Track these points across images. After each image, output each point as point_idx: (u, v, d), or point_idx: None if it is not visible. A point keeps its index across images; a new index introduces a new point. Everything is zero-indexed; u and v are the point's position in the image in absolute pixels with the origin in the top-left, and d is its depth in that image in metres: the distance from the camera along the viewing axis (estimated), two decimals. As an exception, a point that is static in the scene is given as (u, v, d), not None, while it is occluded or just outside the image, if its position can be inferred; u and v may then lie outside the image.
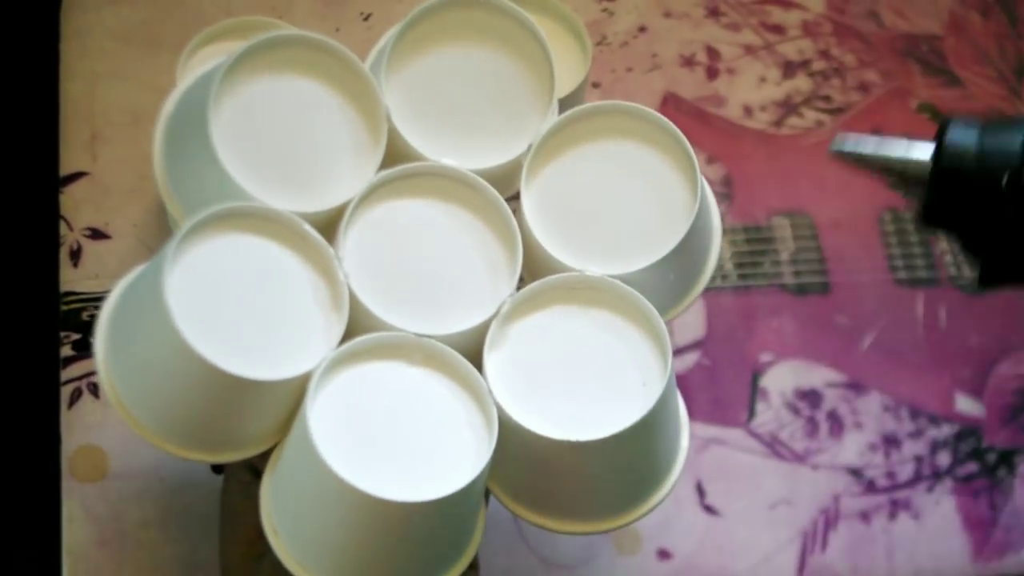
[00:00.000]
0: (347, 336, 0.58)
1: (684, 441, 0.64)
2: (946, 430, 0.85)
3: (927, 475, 0.84)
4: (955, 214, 0.56)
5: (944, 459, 0.84)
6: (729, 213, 0.86)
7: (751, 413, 0.83)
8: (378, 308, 0.59)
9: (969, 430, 0.85)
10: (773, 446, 0.82)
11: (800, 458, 0.83)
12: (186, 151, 0.60)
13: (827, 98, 0.90)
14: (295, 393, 0.57)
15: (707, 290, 0.81)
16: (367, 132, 0.61)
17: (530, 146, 0.62)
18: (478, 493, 0.60)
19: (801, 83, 0.91)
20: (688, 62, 0.90)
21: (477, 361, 0.59)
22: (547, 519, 0.62)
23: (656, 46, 0.90)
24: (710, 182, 0.87)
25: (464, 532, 0.61)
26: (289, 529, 0.58)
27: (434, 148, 0.62)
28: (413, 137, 0.62)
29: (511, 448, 0.59)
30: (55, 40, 0.82)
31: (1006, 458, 0.85)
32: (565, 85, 0.70)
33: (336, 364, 0.58)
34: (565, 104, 0.66)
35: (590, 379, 0.60)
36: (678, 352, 0.83)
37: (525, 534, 0.78)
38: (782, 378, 0.84)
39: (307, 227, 0.59)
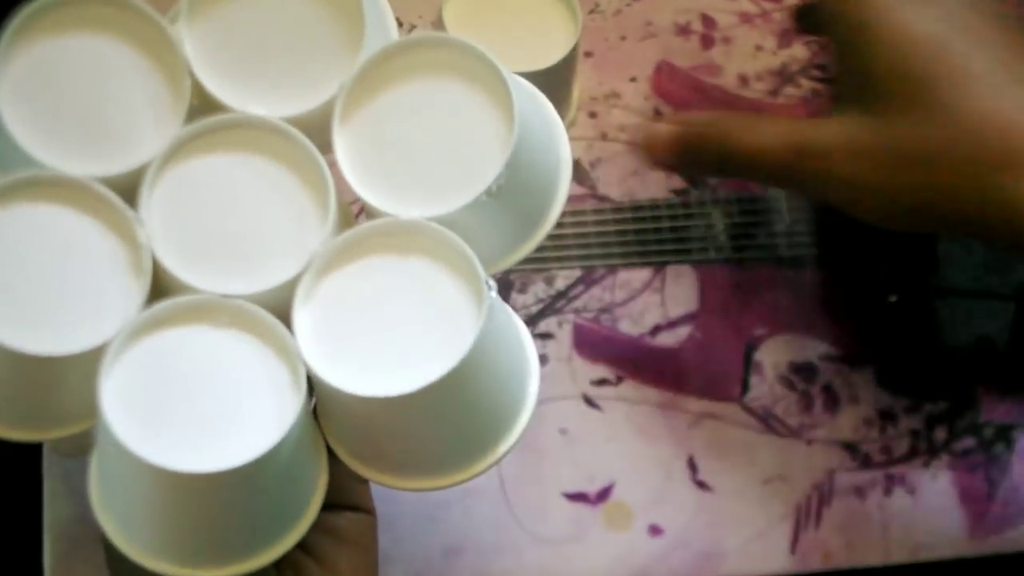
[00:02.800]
0: (153, 303, 0.56)
1: (532, 388, 0.61)
2: (942, 404, 0.84)
3: (923, 450, 0.83)
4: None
5: (940, 434, 0.83)
6: (723, 184, 0.85)
7: (744, 387, 0.82)
8: (183, 271, 0.56)
9: (966, 404, 0.84)
10: (767, 421, 0.81)
11: (794, 433, 0.82)
12: None
13: (824, 67, 0.89)
14: (98, 365, 0.55)
15: (700, 262, 0.80)
16: (168, 87, 0.59)
17: (341, 87, 0.59)
18: (292, 454, 0.58)
19: (798, 51, 0.89)
20: (683, 30, 0.89)
21: (290, 321, 0.57)
22: (386, 476, 0.60)
23: (650, 14, 0.88)
24: (704, 153, 0.85)
25: (295, 494, 0.59)
26: (112, 506, 0.57)
27: (242, 98, 0.59)
28: (218, 89, 0.59)
29: (332, 407, 0.57)
30: None
31: (1003, 433, 0.84)
32: (554, 53, 0.69)
33: (135, 332, 0.56)
34: (555, 73, 0.64)
35: (405, 330, 0.57)
36: (670, 325, 0.82)
37: (514, 510, 0.77)
38: (776, 352, 0.83)
39: (103, 190, 0.56)
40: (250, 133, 0.59)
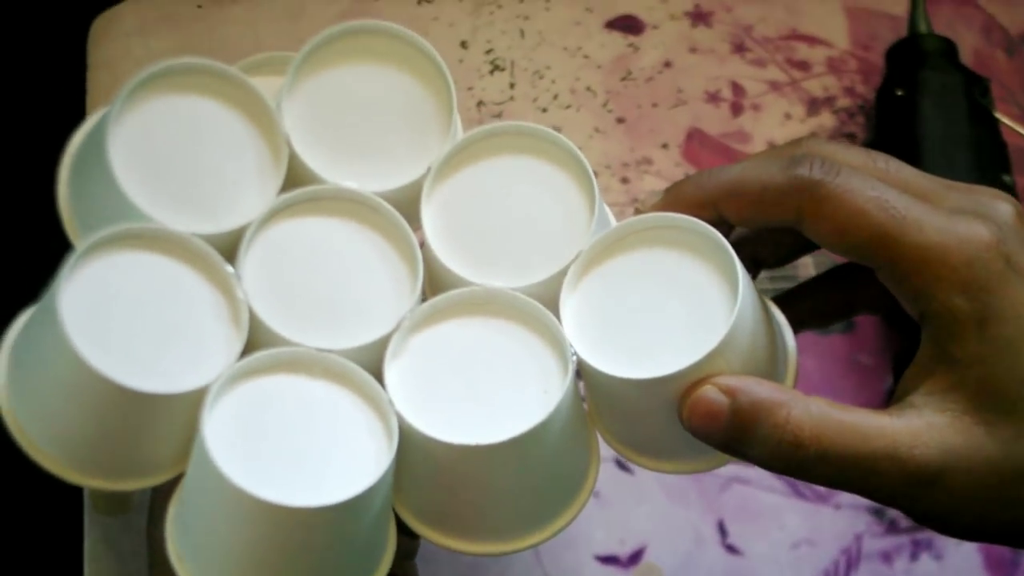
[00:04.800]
0: (248, 354, 0.59)
1: (596, 459, 0.64)
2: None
3: (949, 516, 0.83)
4: None
5: (966, 500, 0.84)
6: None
7: (773, 452, 0.82)
8: (278, 324, 0.59)
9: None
10: (795, 485, 0.82)
11: (822, 497, 0.82)
12: (88, 180, 0.61)
13: (852, 136, 0.90)
14: (194, 411, 0.57)
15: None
16: (269, 156, 0.62)
17: (429, 168, 0.63)
18: (382, 502, 0.60)
19: (826, 120, 0.91)
20: (713, 98, 0.90)
21: (379, 377, 0.60)
22: (455, 540, 0.62)
23: (681, 81, 0.90)
24: (734, 219, 0.86)
25: (373, 548, 0.61)
26: (193, 552, 0.58)
27: (335, 172, 0.63)
28: (314, 162, 0.62)
29: (413, 461, 0.59)
30: (83, 70, 0.82)
31: (1029, 500, 0.85)
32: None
33: (234, 378, 0.58)
34: None
35: (491, 387, 0.60)
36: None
37: (548, 572, 0.78)
38: (805, 417, 0.83)
39: (204, 245, 0.59)
40: (342, 204, 0.62)
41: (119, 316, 0.57)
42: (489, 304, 0.62)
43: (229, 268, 0.60)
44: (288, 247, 0.61)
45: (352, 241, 0.62)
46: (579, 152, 0.62)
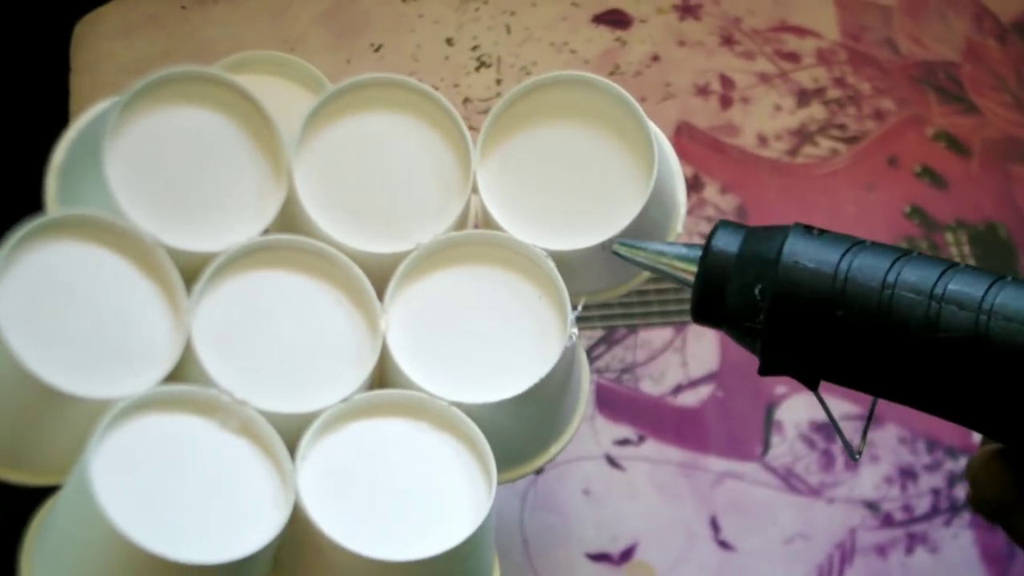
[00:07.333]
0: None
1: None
2: (963, 462, 0.84)
3: (944, 508, 0.83)
4: (720, 315, 0.57)
5: (962, 492, 0.83)
6: (743, 243, 0.86)
7: (766, 446, 0.82)
8: (221, 376, 0.57)
9: (987, 462, 0.84)
10: (788, 479, 0.82)
11: (815, 491, 0.82)
12: (82, 190, 0.60)
13: (842, 126, 0.90)
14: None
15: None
16: (270, 177, 0.61)
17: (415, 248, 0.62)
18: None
19: (816, 111, 0.90)
20: (702, 91, 0.90)
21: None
22: None
23: (669, 75, 0.89)
24: (723, 213, 0.86)
25: None
26: None
27: (342, 230, 0.61)
28: (322, 220, 0.61)
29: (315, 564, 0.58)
30: (65, 73, 0.82)
31: (1024, 491, 0.84)
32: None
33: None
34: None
35: (410, 494, 0.59)
36: (691, 384, 0.83)
37: (538, 571, 0.77)
38: (797, 410, 0.83)
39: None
40: (300, 255, 0.61)
41: (56, 314, 0.56)
42: (406, 407, 0.60)
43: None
44: (242, 299, 0.60)
45: (308, 294, 0.61)
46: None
